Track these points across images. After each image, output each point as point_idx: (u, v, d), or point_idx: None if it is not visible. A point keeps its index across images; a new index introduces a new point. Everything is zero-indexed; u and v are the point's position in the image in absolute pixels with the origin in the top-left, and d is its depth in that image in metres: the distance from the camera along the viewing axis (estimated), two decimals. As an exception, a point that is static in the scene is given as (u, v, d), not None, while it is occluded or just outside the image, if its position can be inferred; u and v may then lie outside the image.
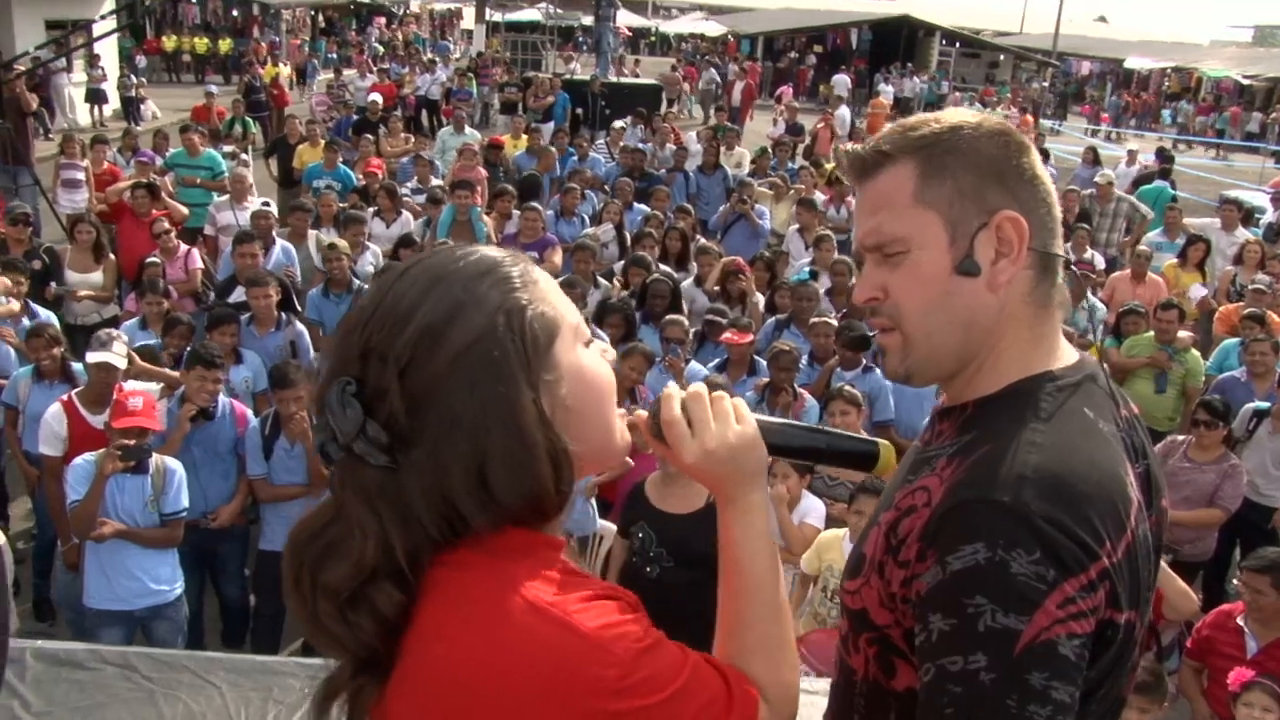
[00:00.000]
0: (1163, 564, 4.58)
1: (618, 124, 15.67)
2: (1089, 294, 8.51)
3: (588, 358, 1.22)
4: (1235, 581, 4.49)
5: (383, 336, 1.13)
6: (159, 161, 10.94)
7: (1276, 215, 13.71)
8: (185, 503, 4.66)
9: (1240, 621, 4.41)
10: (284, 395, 5.13)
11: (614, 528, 5.32)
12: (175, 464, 4.68)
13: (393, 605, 1.11)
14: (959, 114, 1.35)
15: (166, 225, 8.20)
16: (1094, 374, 1.36)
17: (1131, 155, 16.78)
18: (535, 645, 1.06)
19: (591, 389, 1.21)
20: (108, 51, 22.22)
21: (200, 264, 8.24)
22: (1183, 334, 7.36)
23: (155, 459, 4.57)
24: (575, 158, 13.01)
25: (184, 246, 8.24)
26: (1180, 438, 6.05)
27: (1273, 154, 27.28)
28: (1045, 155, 15.30)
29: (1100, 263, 10.07)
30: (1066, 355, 1.37)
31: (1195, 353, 7.32)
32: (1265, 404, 6.31)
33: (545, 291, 1.20)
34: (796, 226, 10.03)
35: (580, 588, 1.13)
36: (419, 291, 1.15)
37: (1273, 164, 25.59)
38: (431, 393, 1.11)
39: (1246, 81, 35.83)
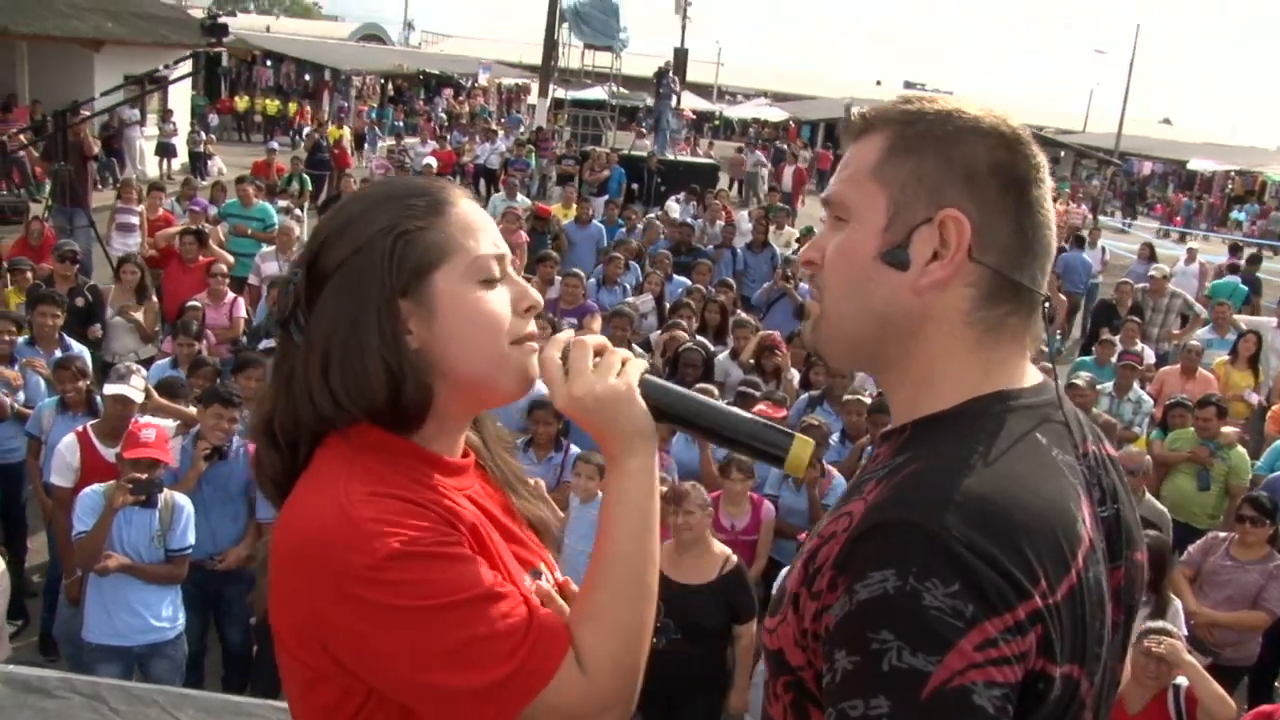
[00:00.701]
0: (1198, 666, 4.37)
1: (671, 203, 15.84)
2: (1136, 386, 8.31)
3: (474, 292, 1.27)
4: (1279, 684, 4.22)
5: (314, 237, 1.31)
6: (212, 211, 11.14)
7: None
8: (191, 540, 4.60)
9: (1284, 728, 4.14)
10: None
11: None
12: (184, 499, 4.63)
13: (271, 464, 1.30)
14: (966, 103, 1.21)
15: (224, 269, 8.35)
16: (1056, 400, 1.21)
17: (1191, 254, 16.52)
18: (311, 521, 1.17)
19: (467, 321, 1.26)
20: (180, 107, 22.91)
21: (244, 313, 8.34)
22: (1227, 430, 7.11)
23: (164, 494, 4.53)
24: (623, 229, 13.07)
25: (231, 294, 8.36)
26: (1222, 534, 5.79)
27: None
28: (1080, 242, 15.36)
29: (1150, 357, 9.86)
30: (1027, 379, 1.21)
31: (1240, 450, 7.06)
32: (1316, 506, 6.03)
33: (450, 222, 1.28)
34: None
35: (396, 488, 1.20)
36: (346, 202, 1.32)
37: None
38: (318, 289, 1.26)
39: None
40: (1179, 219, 34.81)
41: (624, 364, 1.27)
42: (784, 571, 5.50)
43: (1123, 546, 1.21)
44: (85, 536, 4.34)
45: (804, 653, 1.13)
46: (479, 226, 1.30)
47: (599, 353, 1.28)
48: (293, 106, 30.98)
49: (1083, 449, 1.20)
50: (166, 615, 4.56)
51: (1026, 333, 1.21)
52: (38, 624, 5.76)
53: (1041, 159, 1.19)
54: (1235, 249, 16.82)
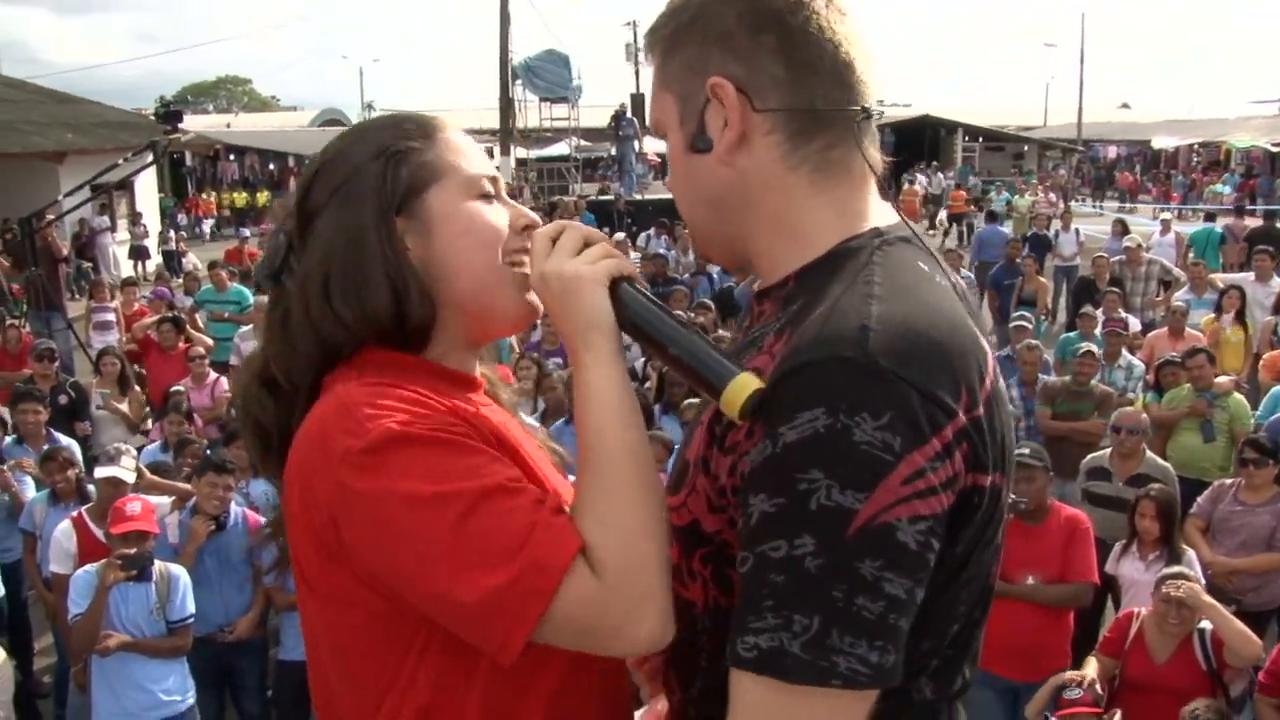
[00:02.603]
0: (1219, 606, 4.33)
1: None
2: (1125, 353, 8.31)
3: (469, 207, 1.28)
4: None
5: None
6: (187, 302, 11.18)
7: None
8: (191, 609, 4.55)
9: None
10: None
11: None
12: (179, 569, 4.59)
13: (263, 407, 1.28)
14: None
15: (202, 351, 8.35)
16: (914, 235, 1.21)
17: (1165, 225, 16.62)
18: (314, 419, 1.18)
19: (463, 232, 1.27)
20: (149, 210, 23.00)
21: (228, 392, 8.31)
22: (1222, 379, 7.09)
23: (158, 565, 4.48)
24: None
25: (213, 374, 8.34)
26: (1229, 481, 5.75)
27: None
28: (994, 217, 16.42)
29: (1136, 325, 9.87)
30: (887, 217, 1.21)
31: (1238, 396, 7.03)
32: (1321, 441, 6.01)
33: (445, 146, 1.30)
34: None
35: (402, 388, 1.18)
36: (335, 140, 1.33)
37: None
38: (313, 217, 1.26)
39: (1276, 149, 35.57)
40: (1175, 195, 34.77)
41: (606, 258, 1.21)
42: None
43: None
44: (81, 618, 4.28)
45: (722, 514, 1.11)
46: (468, 150, 1.32)
47: (590, 243, 1.23)
48: (262, 197, 31.07)
49: (952, 277, 1.21)
50: (176, 688, 4.48)
51: (858, 161, 1.19)
52: (51, 722, 5.67)
53: None
54: (1210, 217, 17.25)
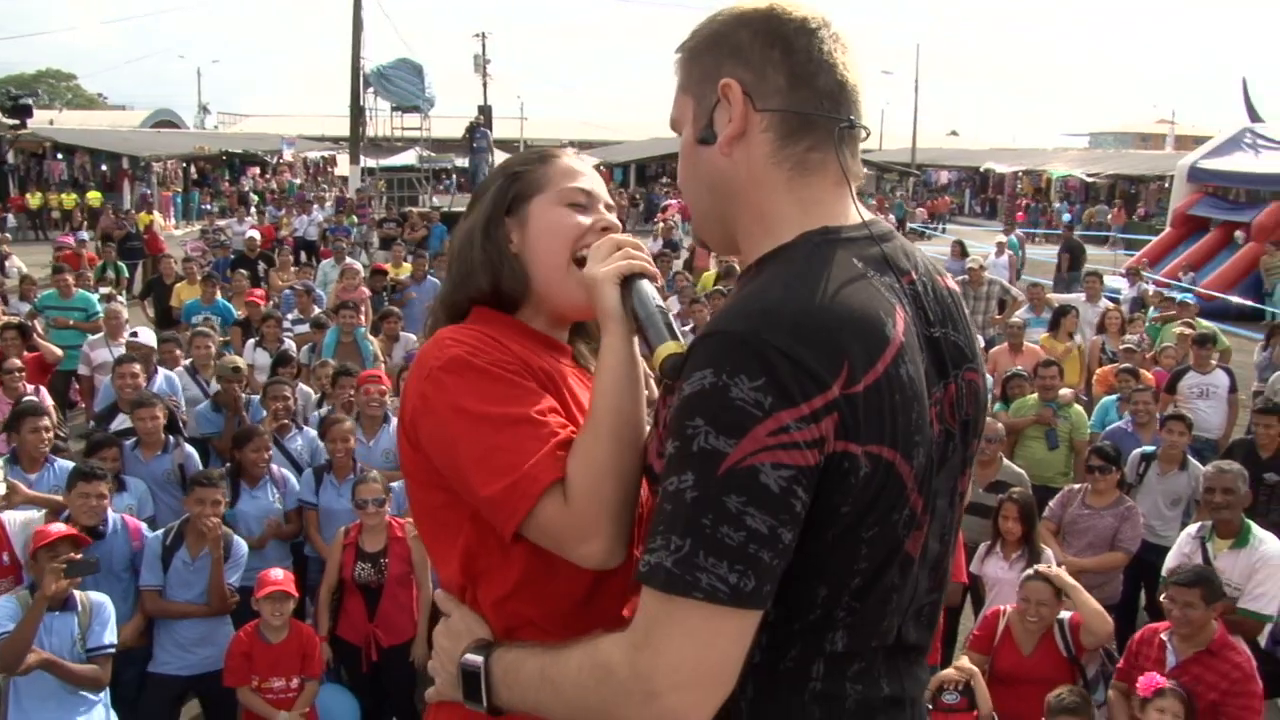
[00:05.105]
0: (1079, 587, 4.65)
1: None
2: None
3: (556, 210, 1.64)
4: (1163, 598, 4.53)
5: None
6: (24, 306, 10.59)
7: (1133, 290, 14.56)
8: (112, 639, 4.39)
9: (1164, 637, 4.47)
10: (204, 495, 4.92)
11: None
12: (103, 598, 4.43)
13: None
14: (727, 5, 1.42)
15: (18, 364, 7.85)
16: (885, 234, 1.40)
17: (1000, 247, 17.60)
18: (420, 349, 1.60)
19: (544, 230, 1.64)
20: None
21: (50, 402, 7.85)
22: (1064, 391, 7.61)
23: (80, 596, 4.32)
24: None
25: (30, 386, 7.85)
26: (1077, 487, 6.19)
27: (1124, 242, 28.90)
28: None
29: (980, 341, 10.41)
30: (854, 216, 1.39)
31: (1078, 407, 7.57)
32: (1151, 448, 6.54)
33: (553, 168, 1.67)
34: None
35: (483, 332, 1.55)
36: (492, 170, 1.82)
37: (1123, 251, 27.14)
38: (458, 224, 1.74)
39: (1090, 179, 38.09)
40: (1021, 214, 36.32)
41: (625, 258, 1.52)
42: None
43: (949, 365, 1.39)
44: (8, 637, 4.05)
45: (663, 459, 1.30)
46: (577, 172, 1.68)
47: (620, 247, 1.55)
48: (93, 197, 29.46)
49: (911, 276, 1.39)
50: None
51: (836, 166, 1.38)
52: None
53: (807, 13, 1.38)
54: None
